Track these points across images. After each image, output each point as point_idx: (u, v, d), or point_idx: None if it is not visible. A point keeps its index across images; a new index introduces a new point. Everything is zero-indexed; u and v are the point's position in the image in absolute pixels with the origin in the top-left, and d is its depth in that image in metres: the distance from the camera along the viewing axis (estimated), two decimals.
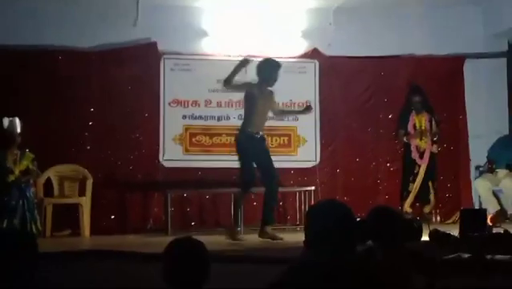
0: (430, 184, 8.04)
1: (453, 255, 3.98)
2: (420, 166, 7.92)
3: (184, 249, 2.37)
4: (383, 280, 2.20)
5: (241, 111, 8.14)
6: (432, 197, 8.02)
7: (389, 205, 7.56)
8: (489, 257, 3.74)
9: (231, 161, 8.06)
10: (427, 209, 7.96)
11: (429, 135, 8.01)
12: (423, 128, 7.98)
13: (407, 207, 7.89)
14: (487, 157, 8.18)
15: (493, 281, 3.37)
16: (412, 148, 7.97)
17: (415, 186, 7.95)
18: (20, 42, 7.64)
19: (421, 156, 7.98)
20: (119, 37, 7.97)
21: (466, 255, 3.89)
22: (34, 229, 6.65)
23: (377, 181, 8.50)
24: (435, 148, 8.05)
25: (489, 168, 8.07)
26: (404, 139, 8.01)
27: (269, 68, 6.59)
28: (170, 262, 2.36)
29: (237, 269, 4.44)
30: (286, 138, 8.29)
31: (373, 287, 2.04)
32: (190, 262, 2.30)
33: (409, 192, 7.96)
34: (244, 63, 6.59)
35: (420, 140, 7.94)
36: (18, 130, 6.97)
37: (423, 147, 7.98)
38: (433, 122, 8.06)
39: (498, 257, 3.76)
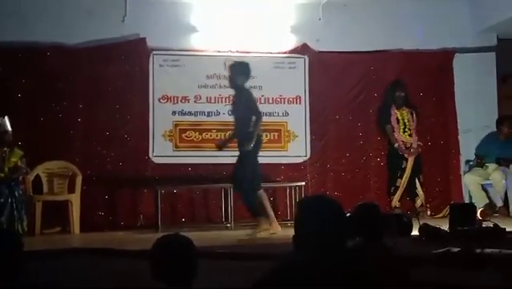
0: (418, 178, 8.04)
1: (442, 249, 3.98)
2: (407, 161, 7.92)
3: (171, 246, 2.36)
4: (374, 279, 2.20)
5: (231, 107, 8.19)
6: (420, 190, 8.03)
7: (379, 200, 7.68)
8: (478, 251, 3.75)
9: (221, 157, 8.06)
10: (418, 203, 7.96)
11: (413, 129, 8.01)
12: (406, 121, 7.97)
13: (395, 202, 7.90)
14: (475, 154, 8.22)
15: (482, 275, 3.38)
16: (400, 144, 7.95)
17: (403, 181, 7.95)
18: (8, 38, 7.57)
19: (408, 150, 7.97)
20: (107, 33, 7.92)
21: (456, 249, 3.89)
22: (19, 229, 6.60)
23: (367, 176, 8.51)
24: (418, 141, 8.08)
25: (478, 163, 8.12)
26: (395, 135, 7.99)
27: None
28: (157, 259, 2.34)
29: (227, 266, 4.43)
30: (276, 133, 8.29)
31: (364, 286, 2.03)
32: (177, 260, 2.29)
33: (397, 187, 7.94)
34: None
35: (404, 132, 7.95)
36: (9, 128, 6.94)
37: (409, 141, 7.98)
38: (414, 116, 8.05)
39: (488, 251, 3.77)
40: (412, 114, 8.00)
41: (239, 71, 6.65)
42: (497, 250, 3.74)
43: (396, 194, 7.91)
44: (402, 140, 7.93)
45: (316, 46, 8.45)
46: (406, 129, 7.93)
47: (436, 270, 3.64)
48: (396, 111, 7.96)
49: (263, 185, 7.86)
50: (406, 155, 7.92)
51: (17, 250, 2.36)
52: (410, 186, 7.94)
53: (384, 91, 8.34)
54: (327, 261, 2.01)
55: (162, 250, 2.36)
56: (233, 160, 8.04)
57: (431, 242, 5.08)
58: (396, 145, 7.90)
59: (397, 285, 2.69)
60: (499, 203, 7.94)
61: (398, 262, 2.85)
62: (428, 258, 3.87)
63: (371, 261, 2.52)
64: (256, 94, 8.15)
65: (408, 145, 7.94)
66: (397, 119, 7.94)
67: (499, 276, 3.31)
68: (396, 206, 7.88)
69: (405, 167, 7.91)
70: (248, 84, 8.16)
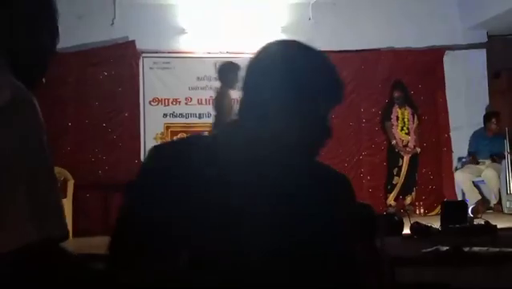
0: (413, 177, 8.08)
1: (431, 248, 3.98)
2: (403, 159, 7.97)
3: None
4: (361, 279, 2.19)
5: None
6: (414, 189, 8.07)
7: (373, 199, 7.70)
8: (466, 249, 3.75)
9: None
10: (408, 201, 8.00)
11: (412, 128, 8.07)
12: (405, 120, 8.05)
13: (391, 200, 7.92)
14: (468, 151, 8.24)
15: (469, 273, 3.39)
16: (397, 141, 8.01)
17: (400, 179, 7.99)
18: None
19: (405, 148, 8.03)
20: (96, 36, 7.91)
21: (444, 248, 3.89)
22: None
23: (360, 175, 8.50)
24: (416, 141, 8.13)
25: (472, 160, 8.12)
26: (392, 131, 8.07)
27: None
28: None
29: None
30: None
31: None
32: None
33: (394, 185, 7.99)
34: None
35: (401, 130, 8.01)
36: None
37: (406, 139, 8.05)
38: (415, 117, 8.14)
39: (476, 249, 3.77)
40: (413, 115, 8.10)
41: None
42: (485, 248, 3.74)
43: (393, 192, 7.95)
44: (399, 137, 8.01)
45: None
46: (404, 128, 8.01)
47: (424, 269, 3.64)
48: (397, 109, 8.05)
49: None
50: (402, 153, 7.99)
51: None
52: (406, 184, 7.99)
53: (375, 90, 8.42)
54: None
55: None
56: None
57: (422, 240, 5.07)
58: (393, 142, 7.99)
59: (384, 285, 2.70)
60: (493, 200, 7.95)
61: (386, 262, 2.85)
62: (416, 258, 3.87)
63: (359, 261, 2.52)
64: None
65: (405, 143, 8.02)
66: (397, 117, 8.03)
67: (486, 274, 3.32)
68: (390, 205, 7.91)
69: (401, 165, 7.97)
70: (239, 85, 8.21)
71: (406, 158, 8.01)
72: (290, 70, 1.45)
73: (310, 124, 1.50)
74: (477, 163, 8.09)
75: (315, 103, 1.50)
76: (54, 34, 1.44)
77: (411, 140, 8.09)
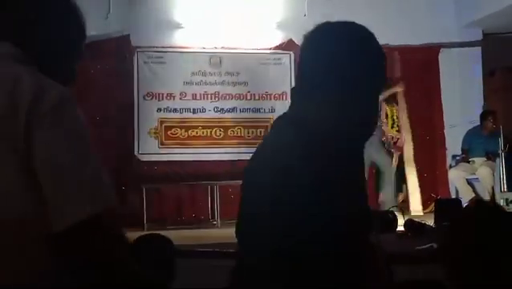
0: (403, 173, 8.09)
1: (426, 246, 3.98)
2: (393, 157, 7.96)
3: (146, 247, 2.33)
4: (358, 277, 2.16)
5: (217, 104, 8.18)
6: (404, 186, 8.08)
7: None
8: None
9: (208, 154, 8.07)
10: (400, 199, 8.00)
11: (401, 125, 8.07)
12: (394, 117, 8.04)
13: (382, 198, 7.91)
14: (462, 148, 8.25)
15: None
16: (387, 137, 8.00)
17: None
18: None
19: (395, 145, 8.02)
20: (91, 30, 7.64)
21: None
22: None
23: None
24: (405, 138, 8.15)
25: (464, 158, 8.14)
26: (383, 128, 8.05)
27: None
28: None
29: (211, 264, 4.40)
30: (262, 130, 8.25)
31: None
32: (152, 261, 2.26)
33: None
34: None
35: (392, 128, 8.01)
36: None
37: (396, 136, 8.04)
38: (404, 114, 8.15)
39: None
40: (402, 112, 8.09)
41: None
42: None
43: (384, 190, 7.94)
44: (390, 134, 7.99)
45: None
46: (394, 125, 8.00)
47: (419, 266, 3.63)
48: (386, 107, 8.03)
49: None
50: (392, 150, 7.97)
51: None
52: (397, 181, 7.97)
53: None
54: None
55: (137, 251, 2.33)
56: (220, 158, 8.07)
57: (416, 237, 5.07)
58: (383, 139, 7.96)
59: (382, 283, 2.67)
60: (486, 198, 7.95)
61: (382, 260, 2.83)
62: (411, 255, 3.86)
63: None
64: (242, 90, 8.19)
65: (395, 140, 8.01)
66: (386, 114, 8.00)
67: None
68: (383, 201, 7.90)
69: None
70: (233, 80, 8.22)
71: (396, 156, 8.00)
72: (340, 51, 1.53)
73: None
74: (468, 161, 8.10)
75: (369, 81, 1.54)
76: (78, 27, 1.65)
77: (401, 137, 8.09)
